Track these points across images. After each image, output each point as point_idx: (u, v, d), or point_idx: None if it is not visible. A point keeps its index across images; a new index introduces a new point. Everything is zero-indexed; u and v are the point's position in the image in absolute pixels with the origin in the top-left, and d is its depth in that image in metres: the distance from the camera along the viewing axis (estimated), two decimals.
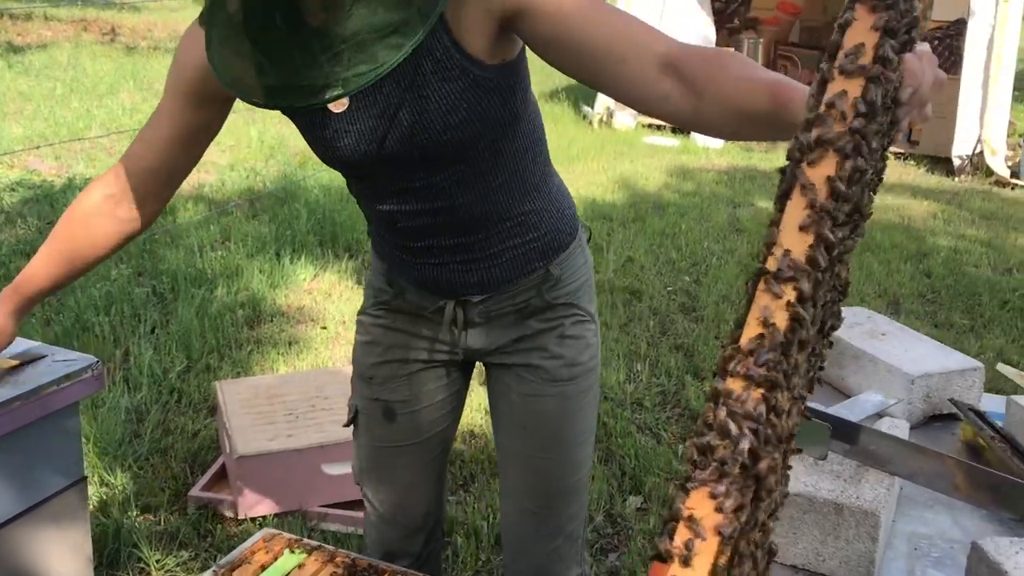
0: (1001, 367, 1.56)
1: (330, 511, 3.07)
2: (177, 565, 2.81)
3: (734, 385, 0.76)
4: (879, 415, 1.39)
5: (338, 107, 1.34)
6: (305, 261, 5.18)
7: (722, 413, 0.74)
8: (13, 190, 5.99)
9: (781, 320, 0.76)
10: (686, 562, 0.68)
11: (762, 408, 0.74)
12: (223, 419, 3.21)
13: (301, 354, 4.18)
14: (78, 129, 7.48)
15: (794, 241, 0.80)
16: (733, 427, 0.73)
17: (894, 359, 1.49)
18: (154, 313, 4.37)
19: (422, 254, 1.54)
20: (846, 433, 1.15)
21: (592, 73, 1.22)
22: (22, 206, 5.71)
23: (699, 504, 0.71)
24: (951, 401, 1.47)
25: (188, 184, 6.27)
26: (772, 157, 8.76)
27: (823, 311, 0.89)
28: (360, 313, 1.78)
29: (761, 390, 0.75)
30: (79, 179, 6.26)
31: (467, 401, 1.91)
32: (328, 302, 4.74)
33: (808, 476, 1.16)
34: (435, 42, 1.25)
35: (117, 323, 4.24)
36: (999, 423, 1.41)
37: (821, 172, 0.81)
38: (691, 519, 0.70)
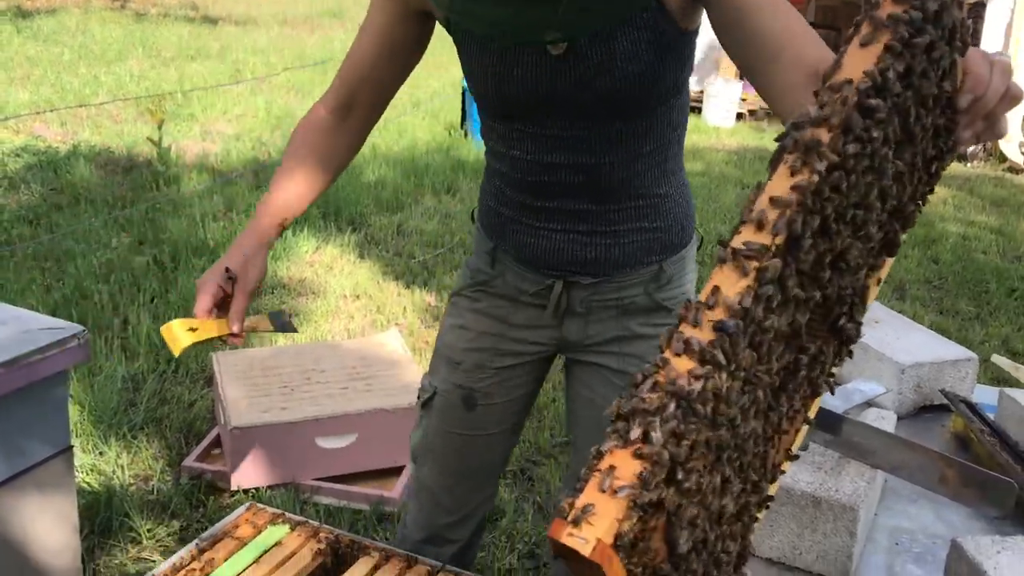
0: (996, 358, 1.53)
1: (323, 484, 3.06)
2: (168, 535, 2.81)
3: (670, 355, 0.74)
4: (868, 404, 1.36)
5: (556, 50, 1.32)
6: (308, 234, 5.15)
7: (649, 383, 0.72)
8: (18, 156, 5.98)
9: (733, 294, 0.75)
10: (576, 522, 0.67)
11: (695, 386, 0.72)
12: (218, 390, 3.20)
13: (300, 327, 4.17)
14: (85, 95, 7.46)
15: (753, 232, 0.78)
16: (654, 399, 0.71)
17: (886, 347, 1.46)
18: (154, 283, 4.36)
19: (546, 216, 1.49)
20: (828, 423, 1.12)
21: (749, 67, 1.21)
22: (26, 172, 5.70)
23: (612, 464, 0.69)
24: (942, 392, 1.44)
25: (192, 153, 6.26)
26: None
27: (816, 311, 0.86)
28: (454, 294, 1.73)
29: (693, 364, 0.72)
30: (84, 146, 6.24)
31: None
32: (329, 275, 4.72)
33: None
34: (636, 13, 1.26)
35: (116, 292, 4.23)
36: (990, 416, 1.38)
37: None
38: (598, 481, 0.69)
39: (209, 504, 2.97)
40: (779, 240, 0.78)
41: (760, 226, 0.79)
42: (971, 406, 1.39)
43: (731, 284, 0.77)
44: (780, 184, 0.81)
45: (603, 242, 1.49)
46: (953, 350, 1.46)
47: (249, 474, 3.04)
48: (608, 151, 1.40)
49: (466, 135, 7.87)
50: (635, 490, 0.68)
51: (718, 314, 0.76)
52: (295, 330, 1.62)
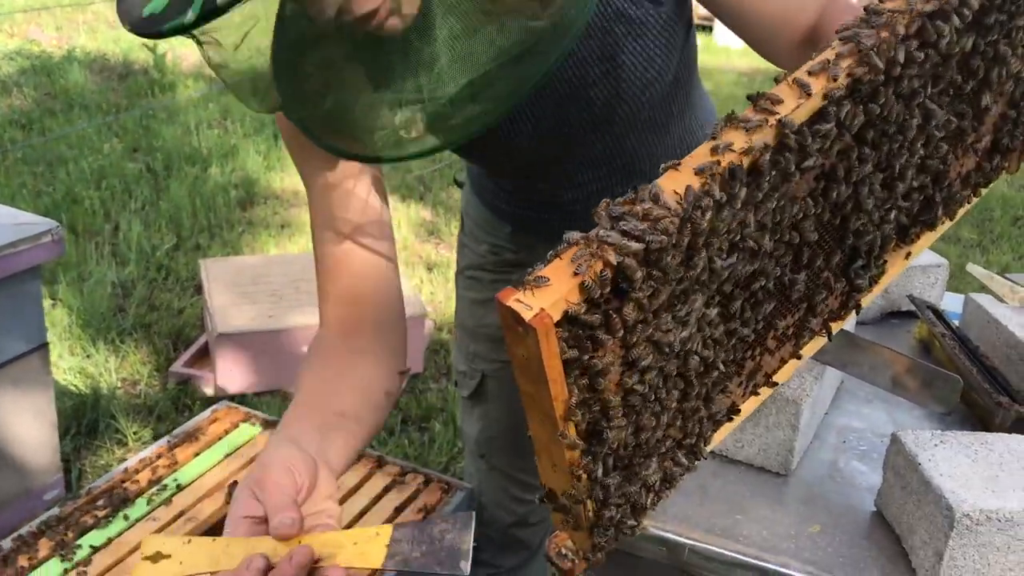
0: (971, 267, 1.50)
1: None
2: (154, 437, 2.83)
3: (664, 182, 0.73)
4: None
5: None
6: None
7: (646, 203, 0.71)
8: (11, 59, 5.89)
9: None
10: (527, 288, 0.67)
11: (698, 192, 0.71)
12: (206, 297, 3.20)
13: (292, 237, 4.15)
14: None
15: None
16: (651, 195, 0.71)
17: None
18: (146, 189, 4.32)
19: (580, 207, 1.35)
20: None
21: (741, 29, 1.15)
22: (19, 76, 5.63)
23: (582, 249, 0.69)
24: (909, 298, 1.41)
25: (188, 62, 6.15)
26: None
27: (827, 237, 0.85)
28: (470, 269, 1.60)
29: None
30: (79, 51, 6.14)
31: None
32: None
33: None
34: (626, 3, 1.12)
35: (108, 198, 4.20)
36: (955, 322, 1.35)
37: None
38: (562, 261, 0.69)
39: (195, 408, 3.00)
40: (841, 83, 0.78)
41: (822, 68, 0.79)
42: (937, 312, 1.36)
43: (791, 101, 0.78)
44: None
45: None
46: (923, 256, 1.43)
47: (235, 380, 3.05)
48: (636, 145, 1.29)
49: None
50: (593, 278, 0.67)
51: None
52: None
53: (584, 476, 0.75)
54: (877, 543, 0.97)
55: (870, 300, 0.95)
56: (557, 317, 0.66)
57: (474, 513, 0.79)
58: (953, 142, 0.91)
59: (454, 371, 1.70)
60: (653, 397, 0.77)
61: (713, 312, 0.78)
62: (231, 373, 3.04)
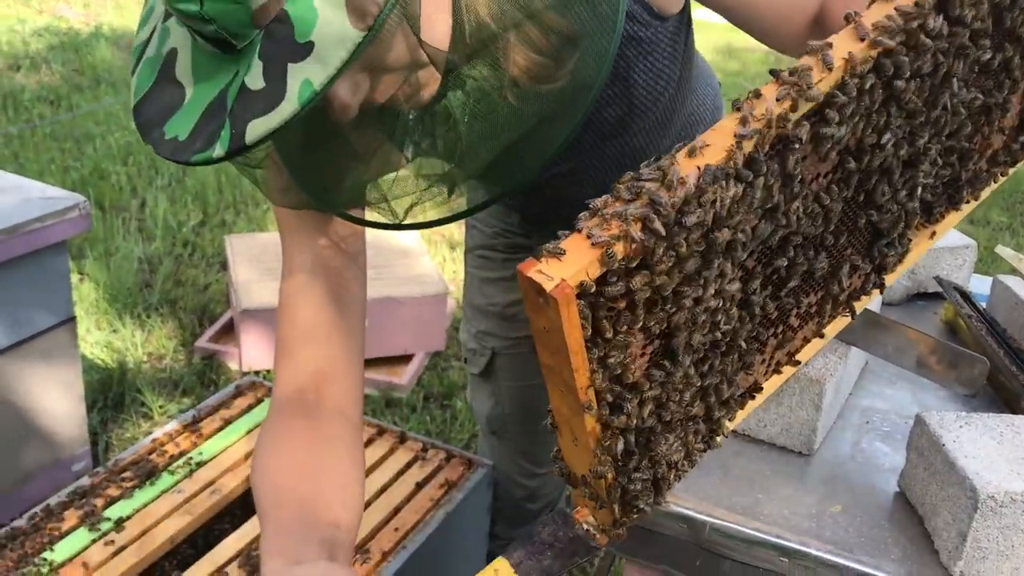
0: (1000, 249, 1.47)
1: None
2: (180, 411, 2.87)
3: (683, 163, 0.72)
4: None
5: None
6: None
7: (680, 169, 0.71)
8: (40, 36, 5.93)
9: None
10: (553, 254, 0.67)
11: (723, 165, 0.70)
12: (231, 273, 3.22)
13: None
14: None
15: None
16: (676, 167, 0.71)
17: None
18: (172, 166, 4.35)
19: (586, 202, 1.38)
20: None
21: (741, 23, 1.14)
22: (48, 52, 5.66)
23: (605, 218, 0.69)
24: (936, 279, 1.39)
25: None
26: None
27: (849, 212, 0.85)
28: (479, 248, 1.60)
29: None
30: (106, 27, 6.17)
31: None
32: None
33: None
34: (636, 27, 1.11)
35: (135, 174, 4.23)
36: (983, 304, 1.34)
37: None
38: (584, 231, 0.69)
39: (220, 383, 3.02)
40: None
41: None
42: (964, 293, 1.35)
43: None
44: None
45: None
46: (951, 237, 1.41)
47: (260, 355, 3.08)
48: (644, 143, 1.28)
49: None
50: (616, 250, 0.67)
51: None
52: None
53: (606, 451, 0.75)
54: (899, 524, 0.97)
55: (894, 279, 0.94)
56: (577, 288, 0.66)
57: (566, 496, 0.80)
58: (978, 120, 0.90)
59: (463, 349, 1.71)
60: (675, 372, 0.76)
61: (735, 287, 0.77)
62: (256, 349, 3.06)
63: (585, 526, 0.81)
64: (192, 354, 3.14)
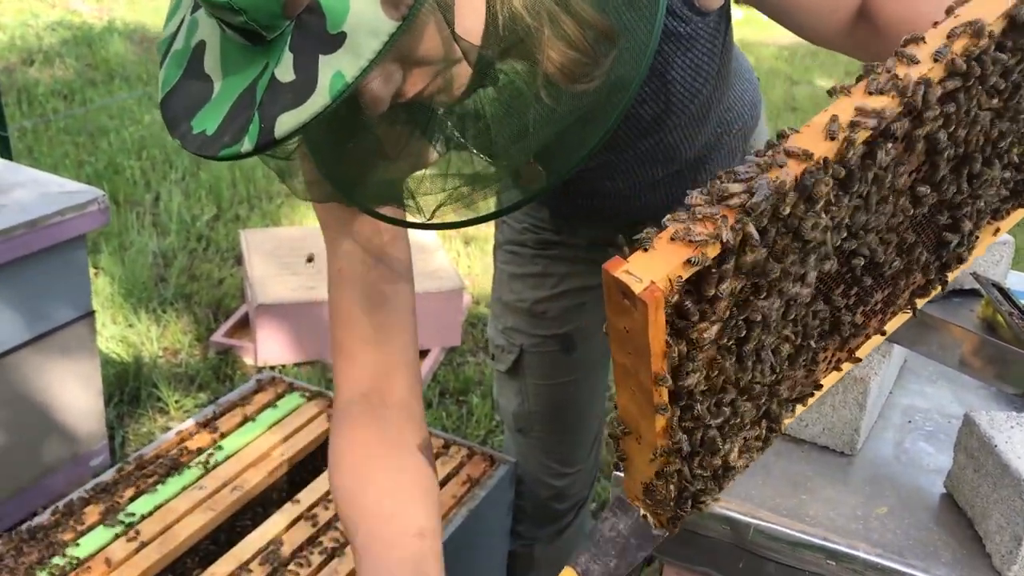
0: None
1: None
2: (196, 406, 2.86)
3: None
4: None
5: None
6: None
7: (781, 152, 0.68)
8: (53, 30, 5.93)
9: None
10: (644, 248, 0.64)
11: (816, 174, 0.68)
12: (246, 268, 3.21)
13: None
14: None
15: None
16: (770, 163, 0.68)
17: None
18: (186, 160, 4.34)
19: (622, 196, 1.34)
20: None
21: (782, 17, 1.12)
22: (61, 46, 5.66)
23: (696, 217, 0.67)
24: (973, 275, 1.37)
25: None
26: None
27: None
28: (509, 244, 1.56)
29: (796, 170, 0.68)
30: (119, 22, 6.17)
31: None
32: None
33: None
34: (675, 22, 1.09)
35: (149, 168, 4.22)
36: (1022, 301, 1.31)
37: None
38: (673, 230, 0.66)
39: (236, 378, 3.02)
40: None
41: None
42: (1002, 290, 1.32)
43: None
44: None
45: (694, 178, 1.35)
46: None
47: (275, 350, 3.07)
48: (679, 139, 1.26)
49: None
50: (705, 247, 0.64)
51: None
52: None
53: (673, 450, 0.73)
54: (947, 527, 0.94)
55: (955, 276, 0.92)
56: (666, 290, 0.64)
57: (622, 495, 0.79)
58: None
59: (491, 345, 1.68)
60: (746, 375, 0.74)
61: (811, 289, 0.75)
62: (271, 343, 3.05)
63: (643, 511, 0.79)
64: (207, 349, 3.13)
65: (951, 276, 0.91)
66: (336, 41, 0.68)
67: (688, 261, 0.64)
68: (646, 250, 0.64)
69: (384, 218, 0.97)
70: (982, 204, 0.86)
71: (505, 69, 0.83)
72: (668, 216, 0.67)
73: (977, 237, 0.90)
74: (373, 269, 1.03)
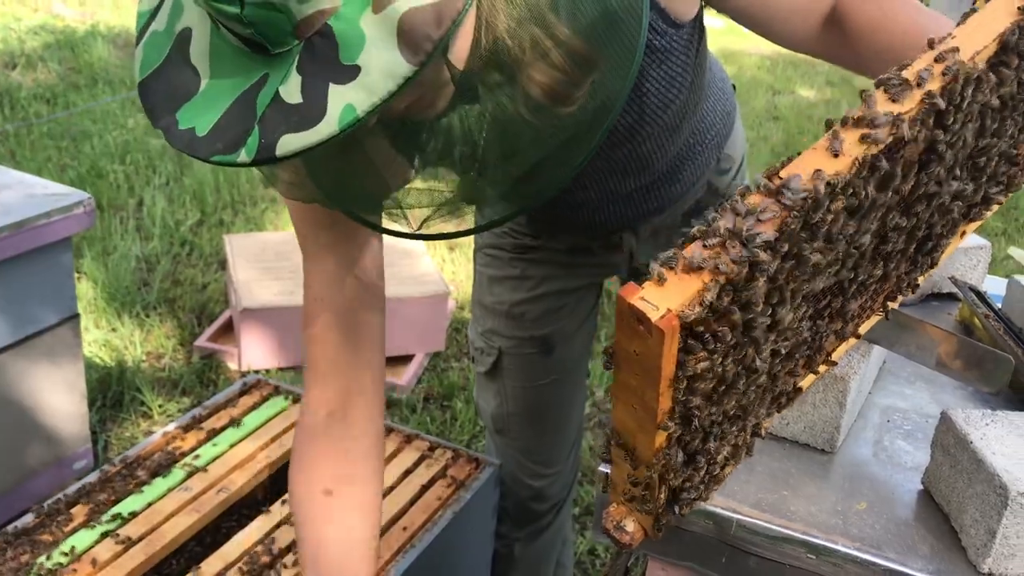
0: (1013, 251, 1.48)
1: None
2: (179, 411, 2.85)
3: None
4: None
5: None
6: None
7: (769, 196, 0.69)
8: (36, 34, 5.91)
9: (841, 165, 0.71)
10: (660, 279, 0.65)
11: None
12: (230, 272, 3.21)
13: None
14: None
15: None
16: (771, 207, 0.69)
17: None
18: (170, 165, 4.33)
19: (594, 206, 1.36)
20: None
21: (757, 26, 1.14)
22: (43, 50, 5.64)
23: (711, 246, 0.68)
24: (952, 280, 1.40)
25: None
26: None
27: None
28: (488, 247, 1.57)
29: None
30: (102, 26, 6.15)
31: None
32: None
33: None
34: (651, 35, 1.10)
35: (132, 172, 4.21)
36: (998, 305, 1.34)
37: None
38: (686, 259, 0.67)
39: (219, 383, 3.01)
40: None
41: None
42: (979, 293, 1.35)
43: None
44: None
45: (666, 189, 1.38)
46: (966, 238, 1.41)
47: (259, 355, 3.07)
48: (652, 149, 1.28)
49: None
50: (720, 276, 0.65)
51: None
52: None
53: (667, 460, 0.75)
54: (925, 521, 0.97)
55: (924, 279, 0.94)
56: (681, 313, 0.65)
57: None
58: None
59: (471, 347, 1.70)
60: (743, 389, 0.76)
61: (807, 306, 0.77)
62: (255, 348, 3.05)
63: (622, 524, 0.81)
64: (191, 353, 3.13)
65: (922, 279, 0.93)
66: (349, 73, 0.68)
67: (705, 289, 0.65)
68: (660, 282, 0.65)
69: (365, 222, 0.99)
70: (956, 214, 0.89)
71: (489, 88, 0.84)
72: (680, 240, 0.69)
73: (948, 241, 0.92)
74: (348, 292, 1.06)
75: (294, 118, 0.69)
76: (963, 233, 0.95)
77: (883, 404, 1.17)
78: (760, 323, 0.71)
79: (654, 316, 0.63)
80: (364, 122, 0.69)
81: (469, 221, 0.97)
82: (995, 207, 0.97)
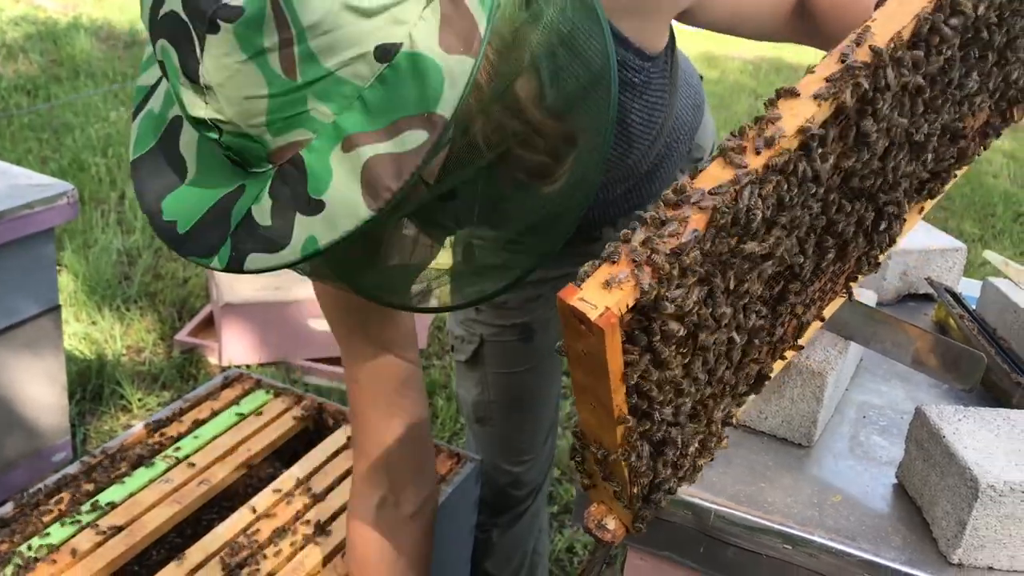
0: (988, 254, 1.51)
1: (314, 365, 3.09)
2: (159, 405, 2.85)
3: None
4: None
5: None
6: None
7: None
8: (17, 24, 5.86)
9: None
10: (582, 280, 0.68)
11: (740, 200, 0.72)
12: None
13: None
14: None
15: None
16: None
17: None
18: None
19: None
20: None
21: (729, 30, 1.22)
22: (25, 41, 5.60)
23: (643, 241, 0.70)
24: (927, 281, 1.42)
25: None
26: (802, 51, 8.47)
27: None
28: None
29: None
30: (85, 18, 6.11)
31: None
32: None
33: None
34: (630, 74, 1.14)
35: (114, 165, 4.19)
36: (973, 306, 1.37)
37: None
38: (624, 255, 0.69)
39: (200, 378, 3.01)
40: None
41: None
42: (954, 294, 1.38)
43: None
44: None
45: (647, 187, 1.42)
46: (942, 239, 1.44)
47: (240, 350, 3.07)
48: (636, 161, 1.31)
49: None
50: (661, 267, 0.67)
51: None
52: None
53: (634, 454, 0.77)
54: (898, 514, 0.99)
55: (884, 257, 0.97)
56: (621, 314, 0.67)
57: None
58: (973, 99, 0.93)
59: (450, 336, 1.73)
60: (702, 379, 0.78)
61: (758, 290, 0.79)
62: (236, 343, 3.05)
63: (603, 522, 0.83)
64: (171, 348, 3.12)
65: (882, 257, 0.96)
66: (315, 206, 0.72)
67: (641, 285, 0.67)
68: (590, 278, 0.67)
69: (372, 297, 1.03)
70: (904, 191, 0.91)
71: (472, 174, 0.88)
72: (612, 239, 0.71)
73: (904, 219, 0.95)
74: (385, 377, 1.15)
75: (262, 241, 0.74)
76: (922, 209, 0.98)
77: (859, 400, 1.19)
78: (703, 315, 0.73)
79: (593, 315, 0.65)
80: (323, 254, 0.74)
81: (472, 293, 1.04)
82: (951, 181, 0.99)
